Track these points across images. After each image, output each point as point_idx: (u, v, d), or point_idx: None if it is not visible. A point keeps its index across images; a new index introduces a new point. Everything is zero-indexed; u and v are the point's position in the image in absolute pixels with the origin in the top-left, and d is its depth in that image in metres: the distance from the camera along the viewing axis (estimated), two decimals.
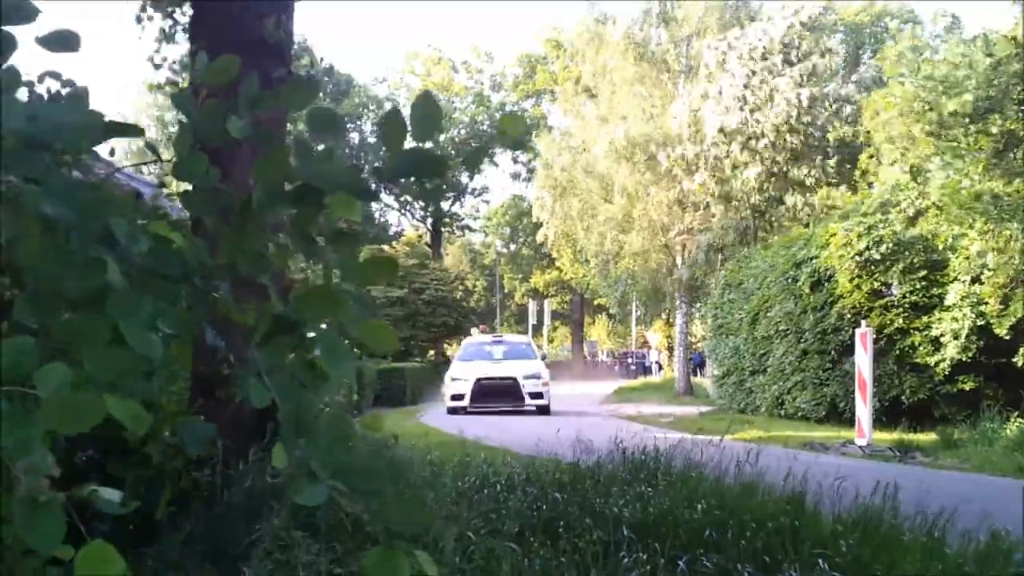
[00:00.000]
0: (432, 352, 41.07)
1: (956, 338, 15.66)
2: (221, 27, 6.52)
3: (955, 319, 15.65)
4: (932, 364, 16.18)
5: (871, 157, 18.28)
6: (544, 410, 21.59)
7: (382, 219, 53.84)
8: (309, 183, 1.77)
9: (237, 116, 1.81)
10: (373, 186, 1.87)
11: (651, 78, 31.27)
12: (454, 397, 22.41)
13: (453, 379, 22.99)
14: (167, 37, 8.54)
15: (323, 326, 1.82)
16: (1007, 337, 14.76)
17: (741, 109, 28.18)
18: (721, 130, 28.36)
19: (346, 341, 1.80)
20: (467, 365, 23.36)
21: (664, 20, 31.37)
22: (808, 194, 28.51)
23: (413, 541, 1.73)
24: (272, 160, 1.78)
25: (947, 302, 15.85)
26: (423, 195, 1.88)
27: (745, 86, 28.10)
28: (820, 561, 4.23)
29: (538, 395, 22.06)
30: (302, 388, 1.76)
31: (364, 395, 20.85)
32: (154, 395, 1.78)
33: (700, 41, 30.31)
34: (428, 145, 1.81)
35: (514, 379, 22.26)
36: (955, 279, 15.81)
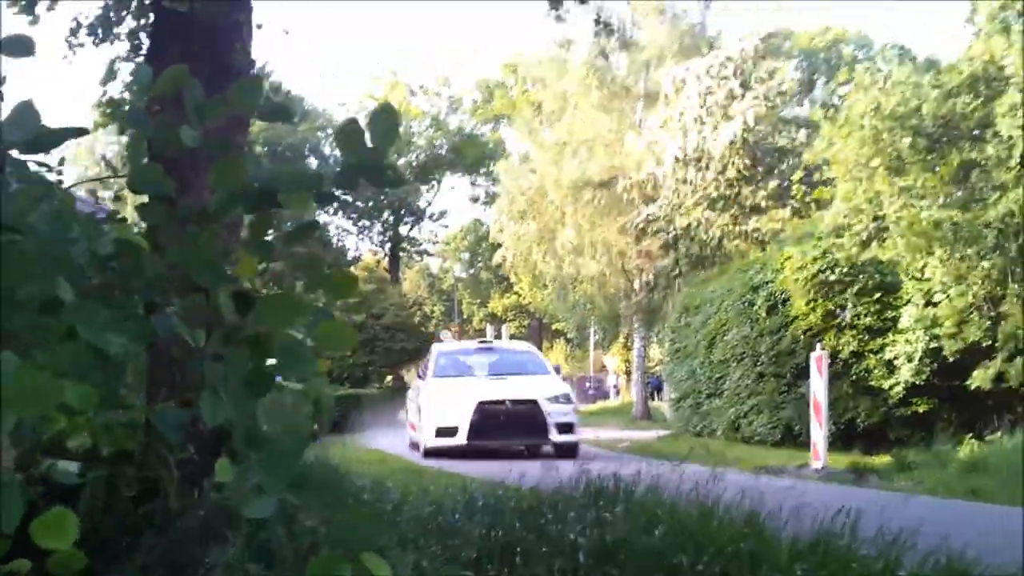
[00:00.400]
0: (390, 378, 40.81)
1: (910, 360, 15.83)
2: (182, 59, 6.44)
3: (908, 341, 15.83)
4: (886, 387, 16.35)
5: (825, 184, 18.48)
6: (571, 451, 14.71)
7: (339, 243, 53.62)
8: (264, 186, 1.78)
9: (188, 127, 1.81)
10: (329, 191, 1.87)
11: (611, 105, 31.52)
12: (441, 432, 15.27)
13: (430, 404, 15.77)
14: (111, 75, 8.33)
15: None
16: (956, 358, 14.91)
17: (699, 132, 28.47)
18: (678, 159, 28.64)
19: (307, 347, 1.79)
20: (450, 383, 16.14)
21: (624, 45, 31.64)
22: (760, 217, 28.79)
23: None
24: (228, 166, 1.79)
25: (901, 325, 16.02)
26: (385, 184, 1.88)
27: (701, 106, 28.41)
28: None
29: (567, 427, 15.40)
30: (256, 402, 1.75)
31: (321, 421, 20.59)
32: (113, 384, 1.76)
33: (659, 69, 30.62)
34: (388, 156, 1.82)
35: (534, 403, 15.32)
36: (909, 301, 15.98)
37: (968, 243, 13.88)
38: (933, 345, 15.53)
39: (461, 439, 14.91)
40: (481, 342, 19.94)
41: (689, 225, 29.28)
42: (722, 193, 28.86)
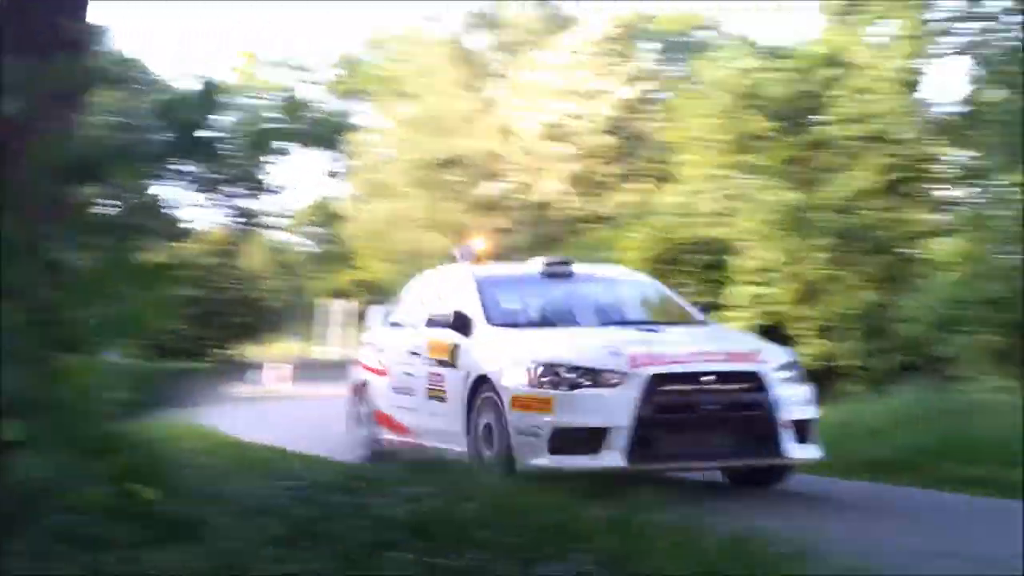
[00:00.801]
0: (229, 351, 39.82)
1: None
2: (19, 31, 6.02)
3: (743, 319, 16.01)
4: None
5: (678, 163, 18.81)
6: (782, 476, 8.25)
7: (173, 214, 51.78)
8: (86, 158, 1.79)
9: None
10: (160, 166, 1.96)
11: (471, 83, 31.45)
12: (567, 439, 7.54)
13: (515, 380, 7.84)
14: None
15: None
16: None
17: (558, 110, 28.76)
18: (534, 134, 28.90)
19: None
20: (547, 339, 8.43)
21: (490, 24, 31.62)
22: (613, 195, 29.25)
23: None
24: (47, 140, 1.77)
25: (734, 302, 16.18)
26: (199, 157, 1.96)
27: (562, 86, 28.70)
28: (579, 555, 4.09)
29: (807, 429, 7.93)
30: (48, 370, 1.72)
31: (144, 394, 19.72)
32: None
33: (525, 48, 30.73)
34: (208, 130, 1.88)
35: (755, 379, 7.83)
36: (741, 281, 16.22)
37: (805, 227, 14.21)
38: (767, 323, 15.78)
39: (613, 456, 7.45)
40: (550, 264, 9.75)
41: (542, 203, 29.44)
42: (579, 172, 29.13)
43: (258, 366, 45.07)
